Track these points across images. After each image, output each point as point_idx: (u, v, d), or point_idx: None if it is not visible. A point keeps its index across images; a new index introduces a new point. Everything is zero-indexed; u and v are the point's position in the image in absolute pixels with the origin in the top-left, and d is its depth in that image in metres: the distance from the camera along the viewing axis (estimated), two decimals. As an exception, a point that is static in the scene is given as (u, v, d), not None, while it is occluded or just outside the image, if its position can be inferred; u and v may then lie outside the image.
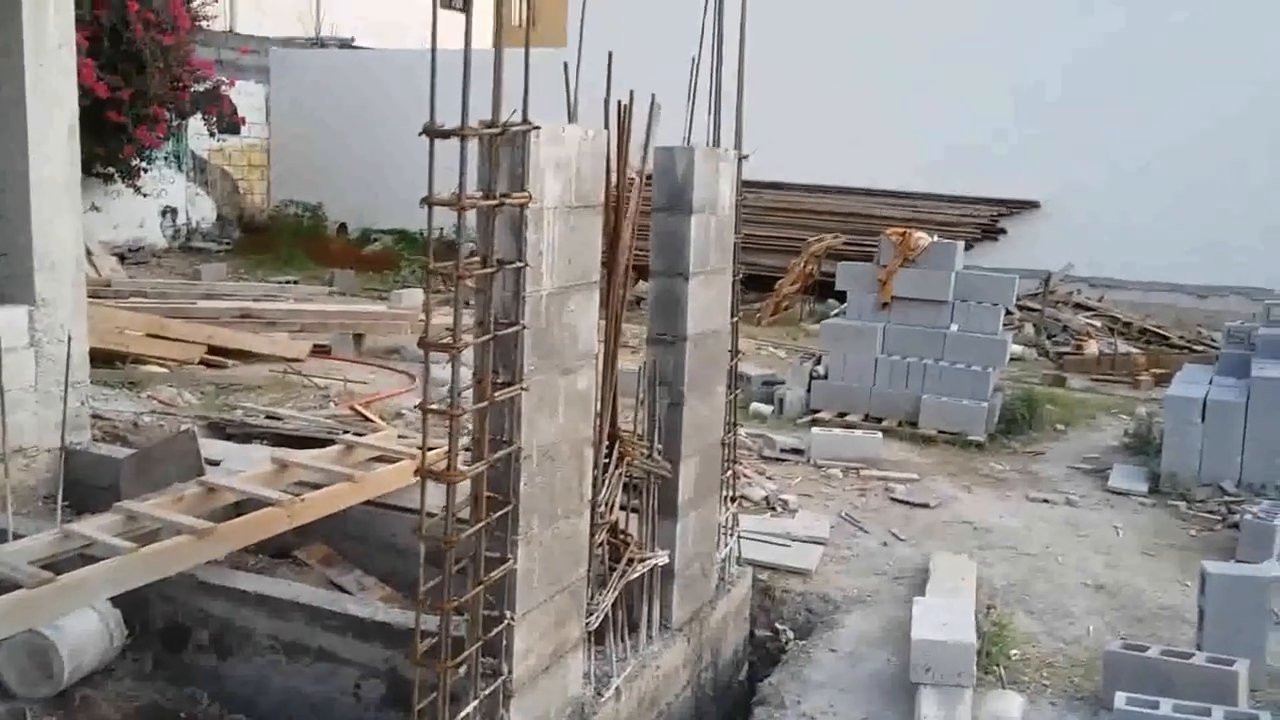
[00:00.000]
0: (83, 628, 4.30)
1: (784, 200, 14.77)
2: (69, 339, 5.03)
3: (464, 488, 3.05)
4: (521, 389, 3.11)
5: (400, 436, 6.19)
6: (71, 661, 4.21)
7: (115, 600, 4.42)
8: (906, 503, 6.44)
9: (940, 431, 7.91)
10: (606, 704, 3.77)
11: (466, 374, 2.99)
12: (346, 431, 6.32)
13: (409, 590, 5.08)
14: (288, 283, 13.29)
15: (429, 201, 2.77)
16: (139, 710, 4.42)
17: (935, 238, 8.66)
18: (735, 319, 4.66)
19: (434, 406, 2.88)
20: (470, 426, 3.13)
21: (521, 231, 3.05)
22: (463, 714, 3.06)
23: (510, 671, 3.23)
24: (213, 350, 8.80)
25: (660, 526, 4.23)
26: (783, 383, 8.59)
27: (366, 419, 7.15)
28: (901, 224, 10.00)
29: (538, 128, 3.01)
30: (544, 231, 3.16)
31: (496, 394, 3.04)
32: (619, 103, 3.67)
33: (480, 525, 3.05)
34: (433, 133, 2.74)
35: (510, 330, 3.06)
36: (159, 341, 8.49)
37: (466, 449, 3.15)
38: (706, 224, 4.25)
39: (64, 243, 6.19)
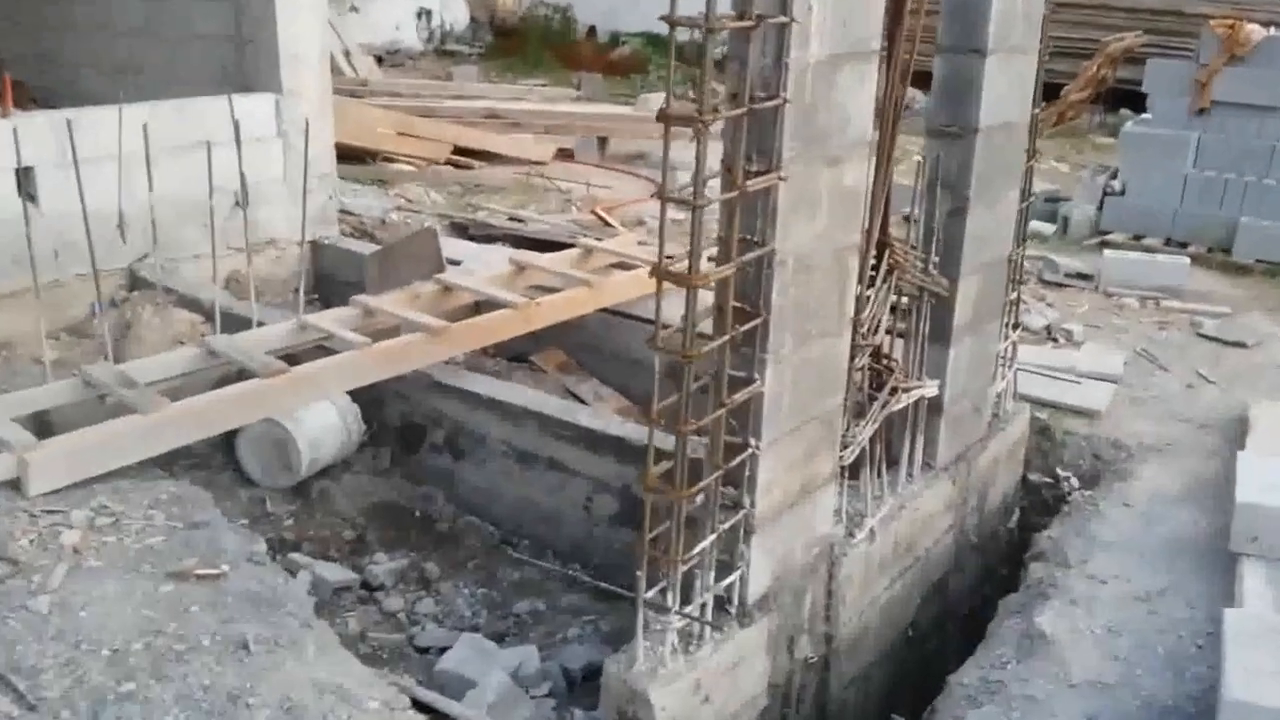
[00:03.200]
0: (321, 421, 4.26)
1: (1077, -6, 12.99)
2: (306, 126, 4.86)
3: (707, 297, 2.60)
4: (779, 178, 2.59)
5: (640, 243, 5.83)
6: (309, 453, 4.18)
7: (353, 396, 4.35)
8: (1217, 340, 5.58)
9: (1259, 260, 6.87)
10: (858, 545, 3.35)
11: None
12: (587, 236, 6.00)
13: (647, 404, 4.79)
14: (536, 86, 13.01)
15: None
16: (375, 506, 4.38)
17: (1272, 30, 7.26)
18: (1036, 111, 3.88)
19: (674, 195, 2.40)
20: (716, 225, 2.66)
21: (789, -23, 2.47)
22: (698, 548, 2.71)
23: (753, 504, 2.85)
24: (459, 151, 8.68)
25: (930, 353, 3.68)
26: (1068, 199, 7.60)
27: (608, 224, 6.83)
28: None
29: None
30: (816, -20, 2.56)
31: (749, 183, 2.53)
32: None
33: (724, 340, 2.61)
34: None
35: (769, 104, 2.52)
36: (407, 140, 8.42)
37: (711, 259, 2.68)
38: (1013, -14, 3.48)
39: (306, 37, 6.03)
